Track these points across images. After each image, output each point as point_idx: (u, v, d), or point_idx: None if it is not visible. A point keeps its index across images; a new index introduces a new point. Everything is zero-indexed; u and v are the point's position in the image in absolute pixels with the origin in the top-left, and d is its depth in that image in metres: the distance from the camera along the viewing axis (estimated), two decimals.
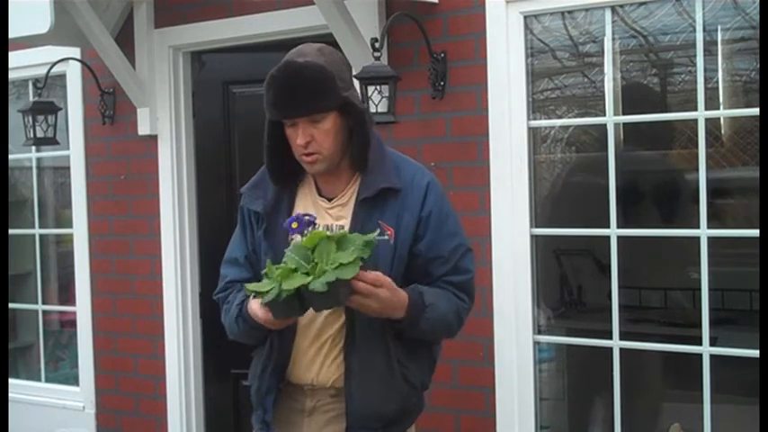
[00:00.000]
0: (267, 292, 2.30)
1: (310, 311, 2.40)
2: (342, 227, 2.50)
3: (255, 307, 2.43)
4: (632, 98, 3.54)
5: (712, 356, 3.25)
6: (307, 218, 2.38)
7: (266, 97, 2.47)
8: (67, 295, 5.18)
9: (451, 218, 2.57)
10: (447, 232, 2.53)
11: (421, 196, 2.50)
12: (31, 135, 4.43)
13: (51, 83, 4.67)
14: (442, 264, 2.52)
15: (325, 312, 2.47)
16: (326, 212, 2.56)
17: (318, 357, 2.54)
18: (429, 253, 2.51)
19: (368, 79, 3.41)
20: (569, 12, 3.56)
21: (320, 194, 2.59)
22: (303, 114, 2.44)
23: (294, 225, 2.37)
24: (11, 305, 5.14)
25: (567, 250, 3.86)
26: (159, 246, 4.57)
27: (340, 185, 2.57)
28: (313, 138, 2.45)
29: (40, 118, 4.40)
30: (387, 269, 2.44)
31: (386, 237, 2.46)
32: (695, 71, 3.27)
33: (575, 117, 3.75)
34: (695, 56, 3.27)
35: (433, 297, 2.48)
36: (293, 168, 2.57)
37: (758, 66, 3.30)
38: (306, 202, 2.59)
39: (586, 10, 3.52)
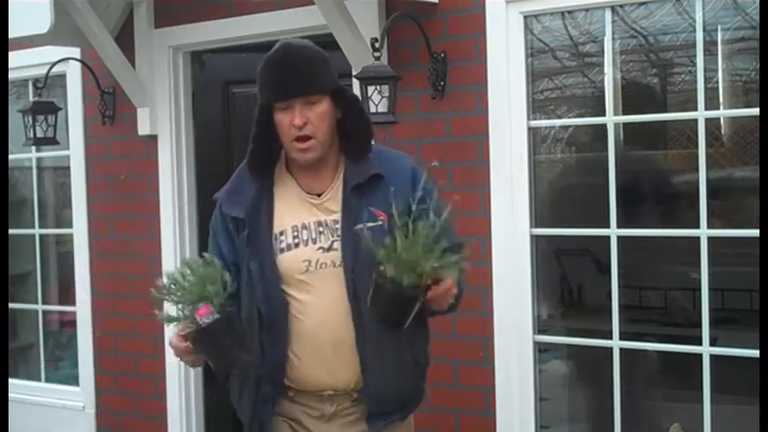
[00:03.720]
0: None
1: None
2: (336, 221, 2.48)
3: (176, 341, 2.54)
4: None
5: (712, 356, 3.25)
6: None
7: (261, 80, 2.46)
8: (67, 295, 5.17)
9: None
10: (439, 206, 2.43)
11: (408, 177, 2.49)
12: (31, 135, 4.43)
13: (51, 83, 4.66)
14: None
15: (325, 315, 2.47)
16: (317, 209, 2.52)
17: (332, 362, 2.50)
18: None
19: (368, 79, 3.40)
20: (569, 12, 3.56)
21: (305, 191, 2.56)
22: (301, 94, 2.42)
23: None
24: (11, 305, 5.14)
25: (567, 250, 3.85)
26: (159, 246, 4.57)
27: (325, 180, 2.53)
28: (309, 120, 2.43)
29: (40, 118, 4.40)
30: None
31: (379, 222, 2.44)
32: (695, 71, 3.27)
33: (575, 117, 3.75)
34: (695, 56, 3.27)
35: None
36: (274, 162, 2.57)
37: (758, 66, 3.30)
38: (289, 202, 2.54)
39: (586, 10, 3.52)
